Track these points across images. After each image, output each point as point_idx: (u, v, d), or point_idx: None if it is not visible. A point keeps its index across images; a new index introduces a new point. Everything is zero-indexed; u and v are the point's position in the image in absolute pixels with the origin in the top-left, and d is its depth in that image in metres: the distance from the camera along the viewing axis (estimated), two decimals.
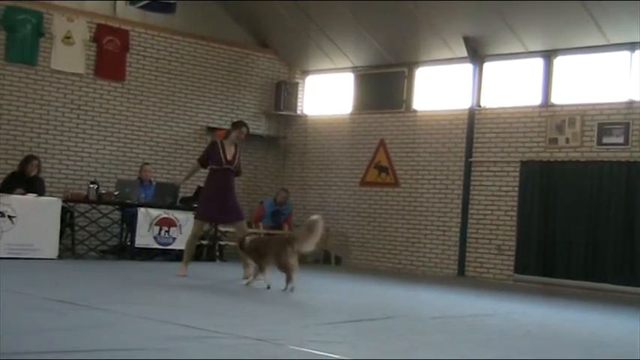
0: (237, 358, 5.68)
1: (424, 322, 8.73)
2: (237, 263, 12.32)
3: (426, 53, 16.80)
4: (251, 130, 18.09)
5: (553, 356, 6.96)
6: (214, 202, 11.66)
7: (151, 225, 14.65)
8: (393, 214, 17.06)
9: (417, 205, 16.70)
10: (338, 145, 18.15)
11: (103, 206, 15.02)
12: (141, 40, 16.89)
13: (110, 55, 16.38)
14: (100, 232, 15.02)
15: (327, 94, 18.79)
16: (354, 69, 18.12)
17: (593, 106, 14.67)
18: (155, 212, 14.73)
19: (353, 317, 8.43)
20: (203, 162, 11.90)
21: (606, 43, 14.48)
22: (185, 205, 15.48)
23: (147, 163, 16.17)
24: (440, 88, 16.95)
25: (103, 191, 14.78)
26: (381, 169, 17.34)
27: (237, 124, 12.13)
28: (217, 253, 15.88)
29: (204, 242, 15.75)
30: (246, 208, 17.90)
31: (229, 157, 11.70)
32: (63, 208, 14.08)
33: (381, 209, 17.28)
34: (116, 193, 14.83)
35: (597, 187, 14.33)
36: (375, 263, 17.20)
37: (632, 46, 14.31)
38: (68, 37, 15.84)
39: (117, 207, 15.11)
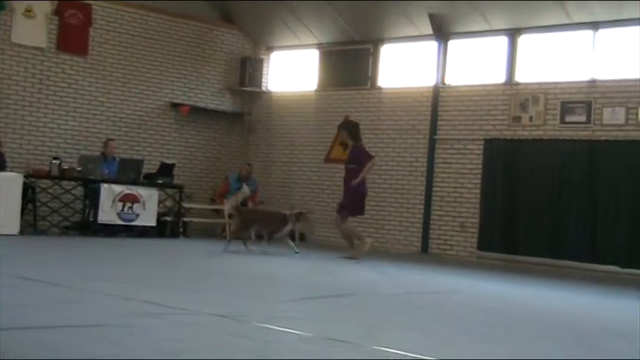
0: (200, 335, 5.68)
1: (388, 299, 8.77)
2: (201, 239, 12.29)
3: (391, 30, 16.78)
4: (215, 106, 18.22)
5: (515, 331, 7.02)
6: None
7: (114, 201, 14.55)
8: None
9: (381, 182, 16.73)
10: (303, 122, 18.11)
11: (66, 182, 14.89)
12: (104, 15, 16.68)
13: (72, 29, 16.18)
14: (62, 208, 14.90)
15: (292, 70, 18.73)
16: (319, 45, 18.05)
17: (556, 85, 14.75)
18: (118, 188, 14.64)
19: (317, 294, 8.45)
20: None
21: (569, 22, 14.56)
22: (149, 181, 15.40)
23: (111, 139, 16.01)
24: (405, 65, 16.95)
25: (66, 167, 14.67)
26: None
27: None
28: (181, 230, 15.82)
29: (168, 219, 15.72)
30: (211, 184, 17.94)
31: (345, 157, 13.77)
32: (24, 183, 13.95)
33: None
34: (79, 168, 14.72)
35: (560, 166, 14.43)
36: (339, 240, 17.19)
37: (594, 25, 14.38)
38: (29, 11, 15.62)
39: (80, 183, 15.00)
